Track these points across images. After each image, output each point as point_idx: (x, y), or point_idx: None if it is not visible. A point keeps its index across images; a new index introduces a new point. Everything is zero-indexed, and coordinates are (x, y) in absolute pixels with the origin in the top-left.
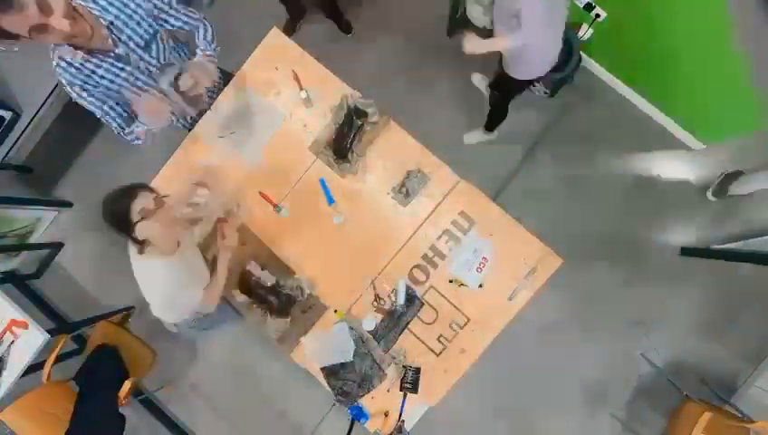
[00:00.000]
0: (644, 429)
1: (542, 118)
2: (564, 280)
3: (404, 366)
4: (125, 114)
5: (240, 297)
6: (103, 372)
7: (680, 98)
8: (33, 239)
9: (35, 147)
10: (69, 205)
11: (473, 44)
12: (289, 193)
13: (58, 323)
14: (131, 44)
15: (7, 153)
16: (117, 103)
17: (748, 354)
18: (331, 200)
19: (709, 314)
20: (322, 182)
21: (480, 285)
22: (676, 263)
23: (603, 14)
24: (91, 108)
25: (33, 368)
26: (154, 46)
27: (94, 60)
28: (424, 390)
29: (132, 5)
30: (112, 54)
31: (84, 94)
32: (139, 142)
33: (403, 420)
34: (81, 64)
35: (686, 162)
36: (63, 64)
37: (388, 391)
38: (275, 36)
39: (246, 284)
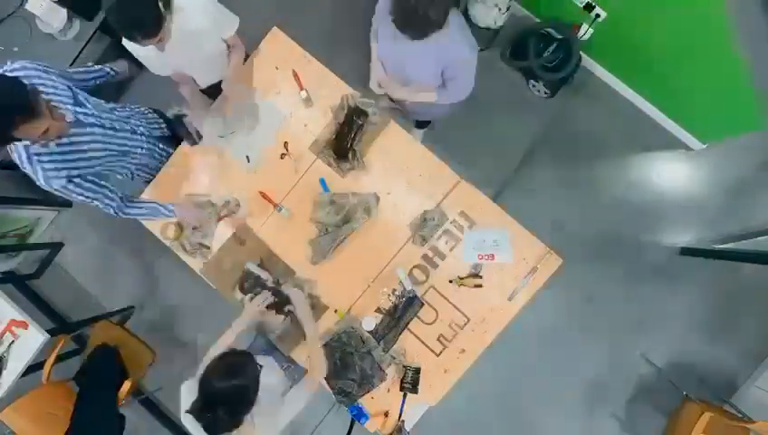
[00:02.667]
0: (644, 429)
1: (542, 118)
2: (564, 280)
3: (404, 366)
4: (117, 195)
5: (239, 295)
6: (103, 372)
7: (680, 98)
8: (33, 239)
9: None
10: (69, 205)
11: (401, 93)
12: (289, 192)
13: (58, 323)
14: (69, 107)
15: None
16: (105, 185)
17: (748, 354)
18: None
19: (709, 314)
20: (323, 182)
21: (480, 276)
22: (676, 263)
23: (603, 14)
24: (88, 194)
25: (33, 368)
26: (80, 98)
27: (63, 142)
28: (424, 390)
29: (46, 78)
30: (70, 126)
31: (76, 181)
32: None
33: (403, 420)
34: (58, 155)
35: (685, 162)
36: (44, 157)
37: (388, 390)
38: (275, 36)
39: (246, 282)
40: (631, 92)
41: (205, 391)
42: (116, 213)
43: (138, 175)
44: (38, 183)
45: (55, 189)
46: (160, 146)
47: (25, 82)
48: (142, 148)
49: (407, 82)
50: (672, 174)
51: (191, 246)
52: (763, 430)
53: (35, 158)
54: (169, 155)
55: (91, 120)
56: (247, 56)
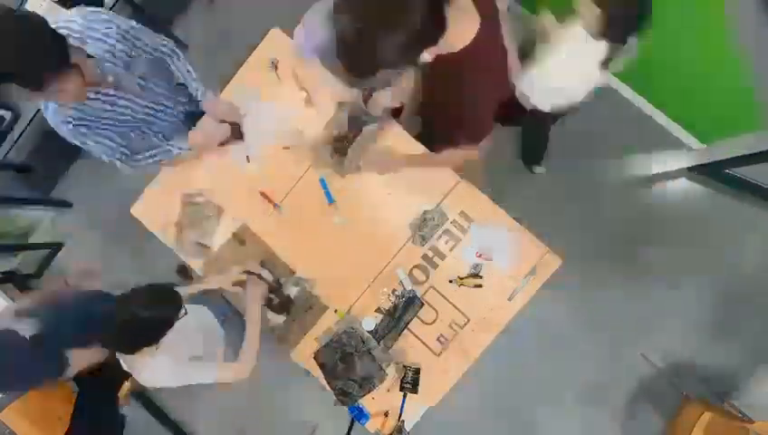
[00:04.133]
0: (644, 429)
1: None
2: (564, 280)
3: (404, 366)
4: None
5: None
6: (103, 372)
7: (680, 98)
8: (33, 239)
9: (35, 147)
10: (69, 205)
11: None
12: (289, 192)
13: None
14: (117, 69)
15: (7, 153)
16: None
17: (748, 354)
18: (331, 200)
19: (709, 314)
20: (323, 182)
21: (480, 276)
22: (676, 263)
23: None
24: (97, 148)
25: None
26: (132, 65)
27: (89, 96)
28: (424, 390)
29: (99, 31)
30: (103, 85)
31: (90, 134)
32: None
33: (403, 421)
34: (80, 104)
35: (686, 162)
36: (71, 112)
37: (388, 391)
38: (276, 37)
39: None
40: (631, 92)
41: (121, 312)
42: (122, 164)
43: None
44: (45, 114)
45: (65, 132)
46: (187, 123)
47: (77, 35)
48: (166, 121)
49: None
50: (672, 174)
51: (191, 245)
52: (763, 430)
53: (51, 106)
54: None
55: (129, 84)
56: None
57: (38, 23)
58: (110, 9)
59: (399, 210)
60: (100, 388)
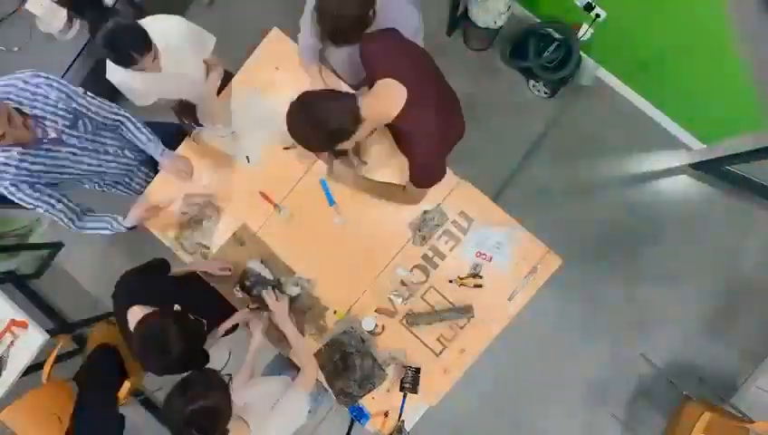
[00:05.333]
0: (644, 429)
1: (542, 118)
2: (564, 280)
3: (404, 366)
4: (74, 207)
5: (239, 294)
6: (103, 372)
7: (680, 98)
8: (33, 239)
9: None
10: None
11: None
12: (289, 193)
13: (58, 324)
14: (59, 126)
15: None
16: (63, 196)
17: (748, 354)
18: (331, 201)
19: (709, 313)
20: (323, 183)
21: (480, 276)
22: (676, 263)
23: (603, 14)
24: (38, 203)
25: (33, 368)
26: (80, 123)
27: (29, 153)
28: (424, 390)
29: (43, 95)
30: (45, 141)
31: (29, 191)
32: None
33: (403, 421)
34: (18, 162)
35: (685, 162)
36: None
37: (388, 391)
38: (276, 36)
39: (247, 281)
40: (631, 92)
41: (172, 420)
42: (70, 225)
43: (108, 189)
44: None
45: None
46: (142, 169)
47: (17, 90)
48: (121, 170)
49: None
50: (672, 174)
51: (191, 246)
52: (762, 430)
53: None
54: (150, 178)
55: (74, 141)
56: (230, 75)
57: None
58: (111, 8)
59: (399, 210)
60: (100, 388)
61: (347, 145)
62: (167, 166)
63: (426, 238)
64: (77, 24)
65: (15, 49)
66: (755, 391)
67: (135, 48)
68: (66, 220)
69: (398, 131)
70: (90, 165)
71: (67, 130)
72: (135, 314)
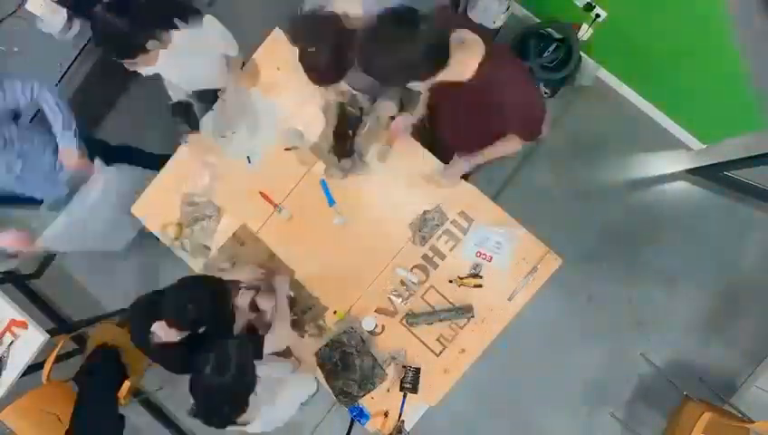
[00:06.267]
0: (644, 429)
1: None
2: (564, 280)
3: (404, 366)
4: None
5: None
6: (103, 372)
7: (680, 98)
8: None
9: None
10: None
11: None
12: (290, 193)
13: (58, 324)
14: None
15: None
16: None
17: (748, 354)
18: (331, 201)
19: (709, 313)
20: (323, 183)
21: (480, 276)
22: (676, 263)
23: (603, 14)
24: None
25: (33, 368)
26: None
27: None
28: (424, 390)
29: None
30: None
31: None
32: None
33: (403, 421)
34: None
35: (686, 162)
36: None
37: (387, 391)
38: (277, 37)
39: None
40: (631, 92)
41: (202, 390)
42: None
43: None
44: None
45: None
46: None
47: None
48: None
49: None
50: (672, 174)
51: (191, 245)
52: (763, 430)
53: None
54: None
55: None
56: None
57: None
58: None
59: (399, 210)
60: (100, 388)
61: (419, 86)
62: (64, 156)
63: (426, 238)
64: (77, 24)
65: (15, 49)
66: (755, 391)
67: (122, 56)
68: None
69: (481, 86)
70: None
71: None
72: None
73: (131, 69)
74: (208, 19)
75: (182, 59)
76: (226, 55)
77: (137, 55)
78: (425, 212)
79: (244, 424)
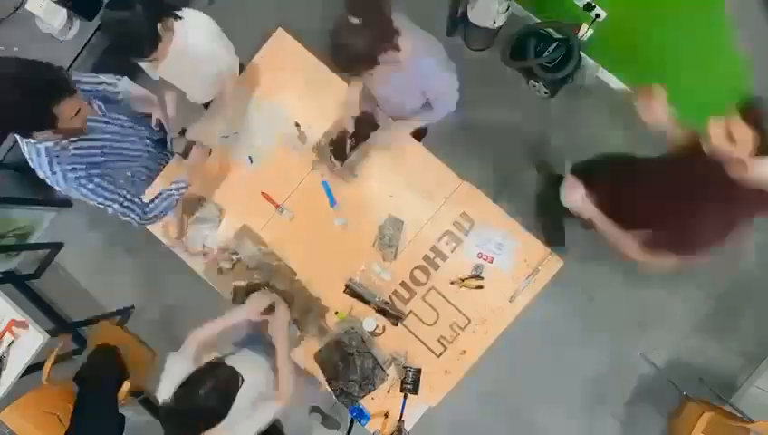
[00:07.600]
0: (644, 429)
1: (542, 118)
2: (565, 281)
3: (404, 367)
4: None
5: (238, 282)
6: (103, 372)
7: (680, 98)
8: (33, 239)
9: None
10: (69, 205)
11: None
12: (291, 194)
13: (58, 323)
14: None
15: (7, 153)
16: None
17: (748, 354)
18: (332, 202)
19: (709, 313)
20: (325, 184)
21: (481, 277)
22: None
23: (603, 14)
24: (108, 196)
25: (33, 368)
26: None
27: (79, 143)
28: (424, 390)
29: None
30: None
31: (96, 181)
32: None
33: (403, 421)
34: (75, 151)
35: None
36: (63, 158)
37: (388, 391)
38: (279, 37)
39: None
40: (631, 92)
41: (187, 401)
42: (139, 220)
43: (136, 179)
44: (57, 186)
45: (74, 189)
46: (160, 149)
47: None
48: (147, 152)
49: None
50: None
51: (192, 246)
52: (763, 430)
53: (56, 159)
54: (167, 158)
55: (103, 124)
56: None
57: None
58: None
59: (400, 211)
60: (100, 388)
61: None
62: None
63: (392, 243)
64: (77, 23)
65: (15, 49)
66: (755, 391)
67: (142, 50)
68: (134, 214)
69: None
70: (122, 147)
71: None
72: None
73: (148, 70)
74: (204, 21)
75: (183, 65)
76: (220, 72)
77: (156, 45)
78: (379, 228)
79: None
